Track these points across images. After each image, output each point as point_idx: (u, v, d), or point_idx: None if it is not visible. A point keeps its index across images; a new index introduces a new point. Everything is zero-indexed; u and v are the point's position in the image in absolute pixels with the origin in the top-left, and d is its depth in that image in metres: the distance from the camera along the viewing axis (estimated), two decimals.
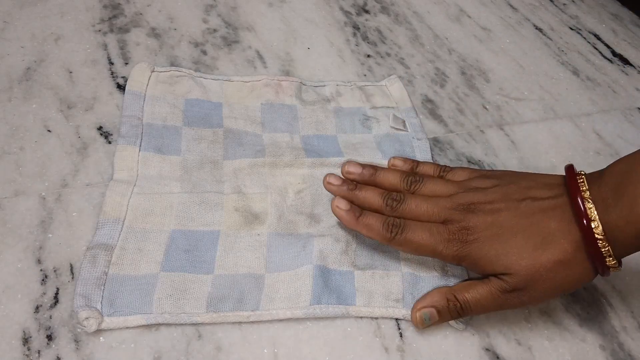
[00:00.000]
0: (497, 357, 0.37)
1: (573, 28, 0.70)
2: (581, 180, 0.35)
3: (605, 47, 0.67)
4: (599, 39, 0.68)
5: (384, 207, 0.38)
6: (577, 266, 0.34)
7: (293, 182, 0.44)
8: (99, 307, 0.35)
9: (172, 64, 0.53)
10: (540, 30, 0.68)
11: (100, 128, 0.46)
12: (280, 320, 0.37)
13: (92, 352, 0.34)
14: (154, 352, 0.34)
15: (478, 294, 0.36)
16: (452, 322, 0.38)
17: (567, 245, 0.34)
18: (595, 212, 0.33)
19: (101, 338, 0.34)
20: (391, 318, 0.38)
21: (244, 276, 0.38)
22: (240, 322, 0.36)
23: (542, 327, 0.39)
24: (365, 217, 0.38)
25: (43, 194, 0.41)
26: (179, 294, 0.36)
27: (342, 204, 0.38)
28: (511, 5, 0.71)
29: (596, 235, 0.33)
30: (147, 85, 0.50)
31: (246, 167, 0.45)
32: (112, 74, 0.51)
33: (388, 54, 0.60)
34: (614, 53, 0.66)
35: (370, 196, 0.39)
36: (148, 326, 0.35)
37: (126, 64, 0.52)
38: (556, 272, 0.34)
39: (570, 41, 0.67)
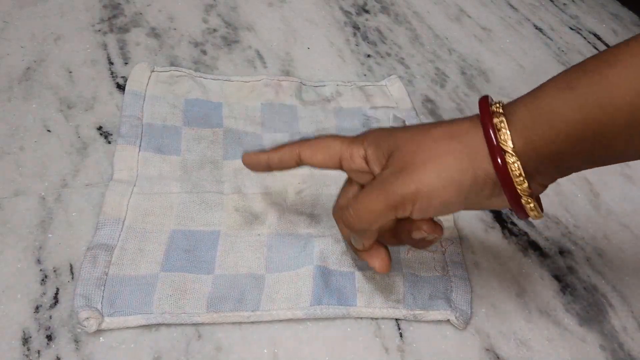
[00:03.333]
0: (498, 357, 0.37)
1: (573, 28, 0.70)
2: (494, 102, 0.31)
3: (605, 47, 0.67)
4: (599, 39, 0.68)
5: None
6: (468, 143, 0.30)
7: (293, 182, 0.44)
8: (99, 307, 0.35)
9: (172, 64, 0.53)
10: (540, 30, 0.68)
11: (100, 128, 0.46)
12: (280, 321, 0.37)
13: (92, 352, 0.34)
14: (154, 352, 0.34)
15: (362, 192, 0.32)
16: (452, 321, 0.38)
17: (463, 122, 0.31)
18: (501, 109, 0.30)
19: (101, 338, 0.34)
20: (391, 318, 0.38)
21: (244, 276, 0.38)
22: (240, 322, 0.36)
23: (542, 327, 0.39)
24: None
25: (43, 194, 0.41)
26: (179, 294, 0.36)
27: None
28: (511, 5, 0.71)
29: (494, 117, 0.29)
30: (147, 85, 0.50)
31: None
32: (112, 74, 0.51)
33: (388, 54, 0.60)
34: None
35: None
36: (148, 326, 0.35)
37: (126, 64, 0.52)
38: (444, 149, 0.30)
39: (570, 41, 0.67)
